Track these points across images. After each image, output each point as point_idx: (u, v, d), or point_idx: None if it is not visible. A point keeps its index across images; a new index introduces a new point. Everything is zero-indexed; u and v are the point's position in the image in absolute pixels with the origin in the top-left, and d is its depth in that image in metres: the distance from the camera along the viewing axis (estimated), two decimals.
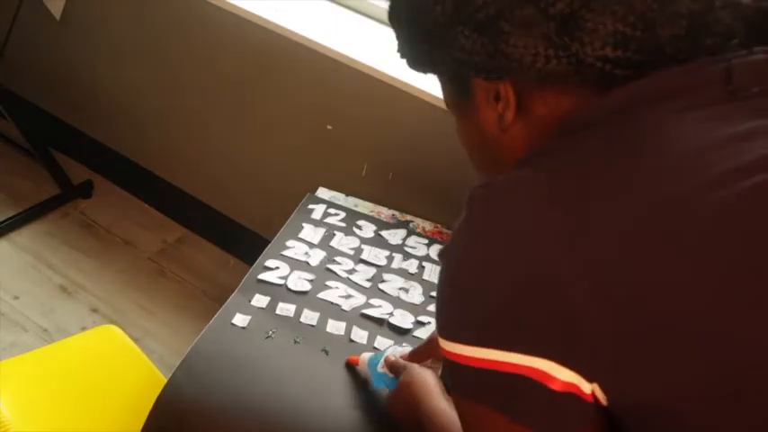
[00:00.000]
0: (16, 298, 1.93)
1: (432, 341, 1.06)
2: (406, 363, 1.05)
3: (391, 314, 1.31)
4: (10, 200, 2.18)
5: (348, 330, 1.26)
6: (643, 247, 0.54)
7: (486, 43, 0.63)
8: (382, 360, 1.09)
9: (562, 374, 0.56)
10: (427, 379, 0.98)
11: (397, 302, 1.34)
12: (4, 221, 2.09)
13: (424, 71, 0.76)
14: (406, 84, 1.51)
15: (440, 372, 1.03)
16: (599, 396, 0.57)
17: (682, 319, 0.53)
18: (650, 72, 0.61)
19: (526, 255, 0.57)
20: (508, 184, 0.61)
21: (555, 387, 0.56)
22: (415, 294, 1.37)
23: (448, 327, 0.63)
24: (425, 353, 1.06)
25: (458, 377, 0.63)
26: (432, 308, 1.34)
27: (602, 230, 0.55)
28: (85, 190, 2.27)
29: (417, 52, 0.72)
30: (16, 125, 2.18)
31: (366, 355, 1.14)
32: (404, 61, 0.76)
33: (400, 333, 1.27)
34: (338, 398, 1.13)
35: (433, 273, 1.43)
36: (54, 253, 2.08)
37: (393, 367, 1.07)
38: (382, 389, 1.10)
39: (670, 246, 0.54)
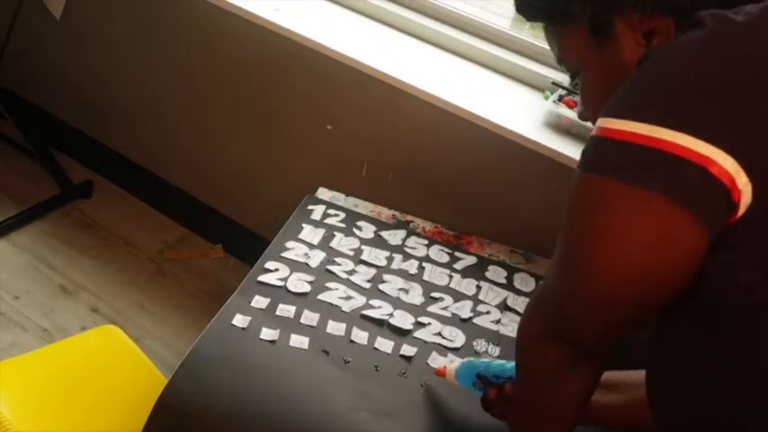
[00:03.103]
0: (16, 298, 1.93)
1: None
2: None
3: (391, 315, 1.31)
4: (10, 200, 2.18)
5: (348, 331, 1.26)
6: None
7: None
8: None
9: (725, 162, 0.59)
10: None
11: (397, 303, 1.34)
12: (4, 221, 2.09)
13: (552, 18, 0.79)
14: (406, 84, 1.51)
15: None
16: (744, 197, 0.60)
17: None
18: None
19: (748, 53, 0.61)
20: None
21: (714, 171, 0.59)
22: (415, 295, 1.37)
23: (631, 106, 0.64)
24: None
25: (614, 155, 0.64)
26: (432, 308, 1.35)
27: None
28: (85, 190, 2.27)
29: None
30: (16, 125, 2.18)
31: (453, 367, 1.09)
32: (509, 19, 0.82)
33: (400, 334, 1.27)
34: (338, 398, 1.13)
35: (432, 273, 1.43)
36: (54, 253, 2.07)
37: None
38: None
39: None
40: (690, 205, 0.61)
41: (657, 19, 0.70)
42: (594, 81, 0.79)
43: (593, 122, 0.78)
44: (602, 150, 0.65)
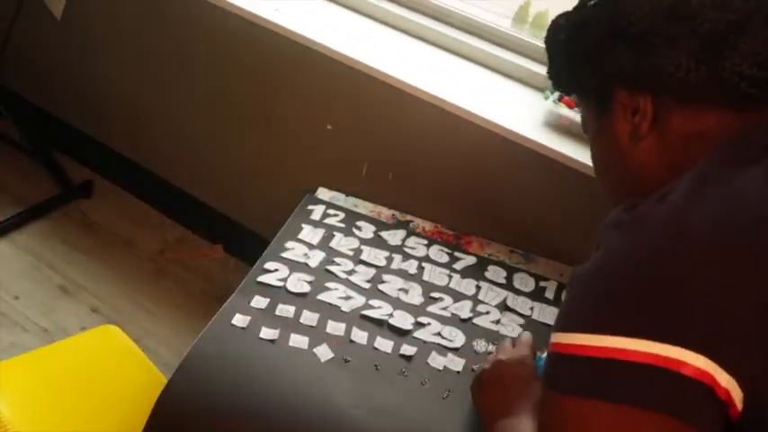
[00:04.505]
0: (16, 298, 1.93)
1: None
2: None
3: (391, 315, 1.31)
4: (10, 200, 2.18)
5: (348, 331, 1.26)
6: None
7: (635, 55, 0.72)
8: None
9: (696, 361, 0.57)
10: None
11: (397, 303, 1.34)
12: (4, 221, 2.09)
13: (570, 91, 0.87)
14: (406, 84, 1.51)
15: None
16: (735, 397, 0.58)
17: None
18: None
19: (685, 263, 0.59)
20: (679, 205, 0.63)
21: (687, 372, 0.57)
22: (415, 295, 1.37)
23: (581, 317, 0.63)
24: None
25: (574, 372, 0.61)
26: (432, 308, 1.35)
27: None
28: (85, 190, 2.27)
29: (568, 72, 0.82)
30: (16, 125, 2.19)
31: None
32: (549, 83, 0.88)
33: (400, 334, 1.27)
34: (338, 397, 1.13)
35: (432, 273, 1.43)
36: (54, 253, 2.07)
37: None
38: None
39: None
40: (674, 413, 0.58)
41: (637, 97, 0.73)
42: (596, 154, 0.83)
43: (601, 189, 0.84)
44: (559, 368, 0.64)
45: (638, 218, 0.64)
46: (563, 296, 1.43)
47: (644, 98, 0.72)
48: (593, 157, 0.84)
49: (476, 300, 1.39)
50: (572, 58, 0.80)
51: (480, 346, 1.28)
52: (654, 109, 0.72)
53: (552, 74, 0.86)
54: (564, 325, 0.64)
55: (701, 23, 0.69)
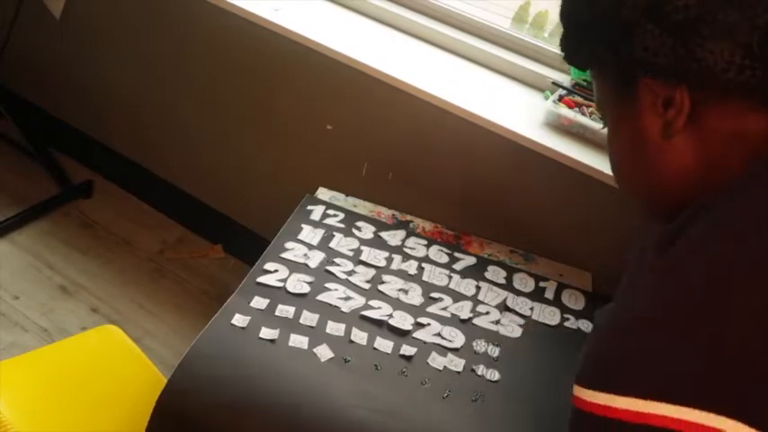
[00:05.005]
0: (16, 298, 1.93)
1: None
2: None
3: (391, 315, 1.31)
4: (10, 200, 2.18)
5: (348, 332, 1.26)
6: None
7: (677, 45, 0.60)
8: None
9: (735, 429, 0.51)
10: None
11: (397, 304, 1.34)
12: (4, 221, 2.09)
13: (584, 67, 0.72)
14: (406, 83, 1.51)
15: None
16: None
17: None
18: None
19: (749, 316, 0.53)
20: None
21: None
22: (415, 296, 1.37)
23: (598, 372, 0.56)
24: None
25: None
26: (431, 308, 1.34)
27: None
28: (85, 190, 2.27)
29: (587, 47, 0.69)
30: (16, 125, 2.19)
31: None
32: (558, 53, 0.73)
33: (400, 334, 1.27)
34: (338, 397, 1.13)
35: (432, 274, 1.43)
36: (54, 253, 2.08)
37: None
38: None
39: None
40: None
41: (672, 88, 0.62)
42: (615, 145, 0.72)
43: (619, 185, 0.74)
44: (581, 426, 0.57)
45: (672, 270, 0.57)
46: (562, 295, 1.43)
47: (680, 90, 0.62)
48: (612, 148, 0.73)
49: (476, 300, 1.39)
50: (595, 32, 0.67)
51: (480, 346, 1.29)
52: (691, 103, 0.62)
53: (564, 43, 0.72)
54: (585, 379, 0.57)
55: (761, 14, 0.58)
